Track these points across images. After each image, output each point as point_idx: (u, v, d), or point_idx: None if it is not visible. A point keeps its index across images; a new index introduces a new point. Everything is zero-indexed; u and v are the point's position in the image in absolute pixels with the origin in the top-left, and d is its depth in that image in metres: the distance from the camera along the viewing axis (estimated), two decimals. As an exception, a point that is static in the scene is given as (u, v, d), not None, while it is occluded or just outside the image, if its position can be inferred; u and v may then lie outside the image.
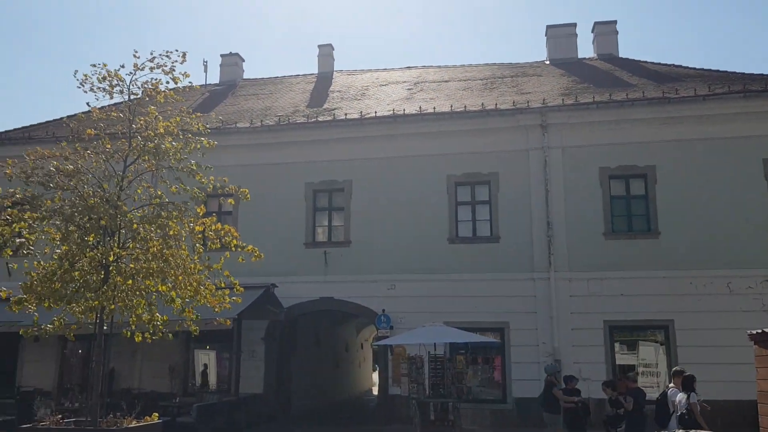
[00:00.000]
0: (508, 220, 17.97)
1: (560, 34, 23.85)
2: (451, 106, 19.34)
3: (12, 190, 10.22)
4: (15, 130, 22.12)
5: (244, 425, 16.09)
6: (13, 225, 9.78)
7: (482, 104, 19.11)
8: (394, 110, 19.72)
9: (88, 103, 11.11)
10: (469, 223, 18.41)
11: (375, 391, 25.45)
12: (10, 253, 10.35)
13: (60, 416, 10.26)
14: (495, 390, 17.46)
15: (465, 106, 19.09)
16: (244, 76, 27.02)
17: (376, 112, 19.66)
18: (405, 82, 23.53)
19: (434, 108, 19.40)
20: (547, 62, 23.58)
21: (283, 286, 18.09)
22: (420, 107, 19.67)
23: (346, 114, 19.90)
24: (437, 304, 17.39)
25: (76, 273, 9.74)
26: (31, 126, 22.51)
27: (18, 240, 9.97)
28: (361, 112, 19.86)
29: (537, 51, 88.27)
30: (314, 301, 18.54)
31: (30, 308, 9.74)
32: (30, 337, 11.03)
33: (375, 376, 28.74)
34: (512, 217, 17.95)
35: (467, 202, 18.58)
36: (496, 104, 18.93)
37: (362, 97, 22.29)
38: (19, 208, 10.09)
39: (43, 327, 10.03)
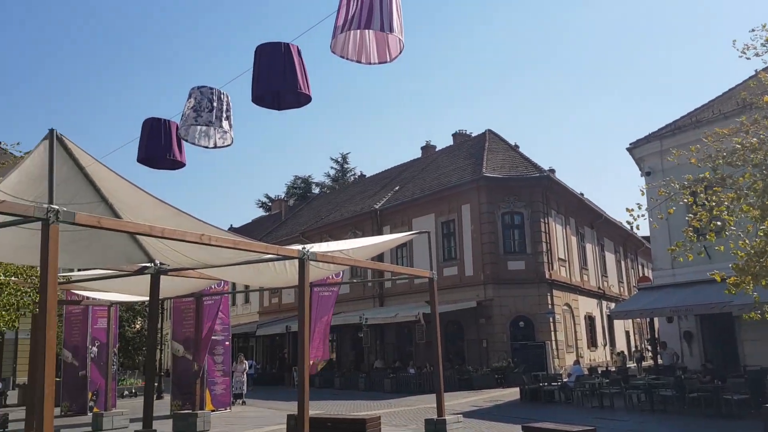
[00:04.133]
0: None
1: None
2: None
3: (702, 176, 10.36)
4: (681, 118, 22.82)
5: None
6: (711, 208, 9.86)
7: None
8: None
9: (756, 70, 10.52)
10: None
11: None
12: (713, 238, 10.45)
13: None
14: None
15: None
16: None
17: None
18: None
19: None
20: None
21: None
22: None
23: None
24: None
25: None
26: (694, 110, 22.85)
27: (716, 222, 9.99)
28: None
29: None
30: None
31: (747, 288, 9.56)
32: (749, 317, 10.81)
33: None
34: None
35: None
36: None
37: None
38: (711, 192, 10.14)
39: (763, 306, 9.70)
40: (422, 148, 41.92)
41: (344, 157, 61.86)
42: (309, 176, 63.29)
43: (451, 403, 18.89)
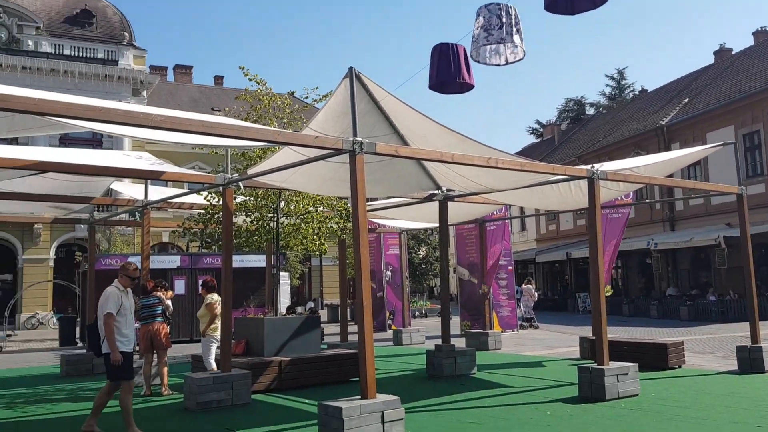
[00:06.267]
0: None
1: None
2: None
3: None
4: None
5: None
6: None
7: None
8: None
9: None
10: None
11: None
12: None
13: None
14: None
15: None
16: None
17: None
18: None
19: None
20: None
21: None
22: None
23: None
24: None
25: None
26: None
27: None
28: None
29: None
30: None
31: None
32: None
33: None
34: None
35: None
36: None
37: None
38: None
39: None
40: (715, 53, 37.08)
41: (621, 73, 57.46)
42: (582, 97, 60.29)
43: (763, 332, 17.00)
